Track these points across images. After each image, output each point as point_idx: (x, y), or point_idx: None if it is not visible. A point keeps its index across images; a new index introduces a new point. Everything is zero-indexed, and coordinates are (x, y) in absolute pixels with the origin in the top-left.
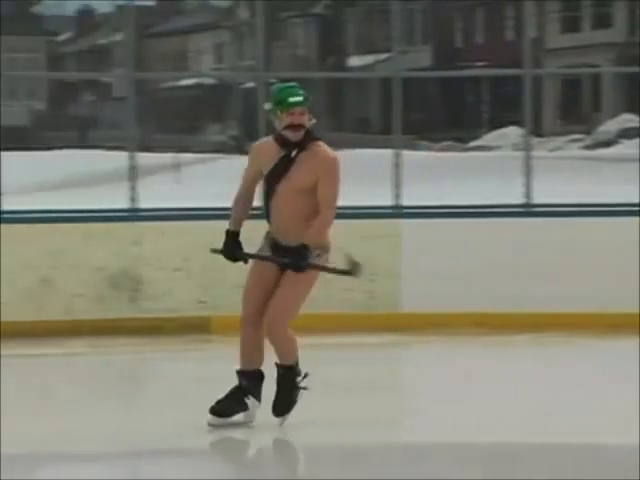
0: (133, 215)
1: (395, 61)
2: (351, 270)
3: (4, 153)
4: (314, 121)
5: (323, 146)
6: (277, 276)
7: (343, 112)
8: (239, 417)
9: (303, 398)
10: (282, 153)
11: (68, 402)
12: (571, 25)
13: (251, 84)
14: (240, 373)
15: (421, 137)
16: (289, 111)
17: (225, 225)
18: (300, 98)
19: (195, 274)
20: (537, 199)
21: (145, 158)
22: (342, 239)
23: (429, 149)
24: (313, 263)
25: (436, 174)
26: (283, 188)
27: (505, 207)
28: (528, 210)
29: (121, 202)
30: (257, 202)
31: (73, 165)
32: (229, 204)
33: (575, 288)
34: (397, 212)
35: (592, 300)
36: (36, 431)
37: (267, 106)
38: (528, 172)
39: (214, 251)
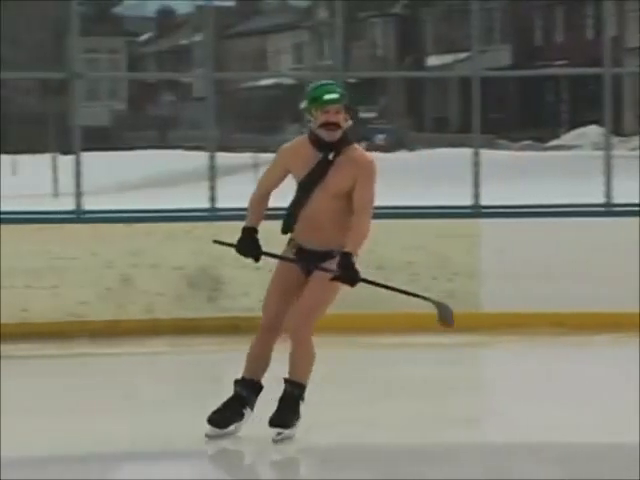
0: (212, 215)
1: (474, 60)
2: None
3: (85, 153)
4: (350, 122)
5: (360, 149)
6: (301, 281)
7: (422, 112)
8: (232, 427)
9: (384, 398)
10: (317, 156)
11: (150, 401)
12: None
13: None
14: (242, 382)
15: (500, 136)
16: (324, 109)
17: None
18: (336, 95)
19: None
20: (617, 199)
21: (224, 158)
22: (421, 238)
23: (508, 148)
24: (370, 280)
25: (515, 173)
26: (318, 193)
27: (585, 207)
28: (608, 210)
29: (200, 202)
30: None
31: (153, 165)
32: None
33: None
34: (476, 212)
35: None
36: (120, 430)
37: (303, 104)
38: (608, 171)
39: (217, 242)
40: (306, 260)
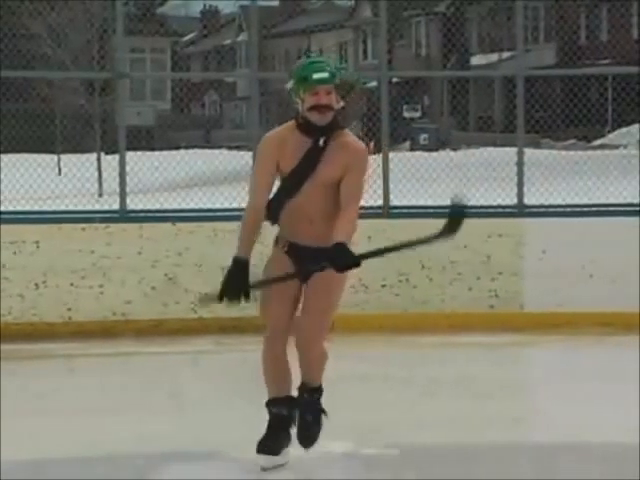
0: None
1: (518, 59)
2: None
3: (130, 153)
4: (342, 104)
5: (351, 135)
6: (298, 283)
7: (466, 111)
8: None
9: (427, 399)
10: (306, 143)
11: (195, 400)
12: None
13: (374, 83)
14: (275, 402)
15: (544, 135)
16: (313, 90)
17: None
18: (325, 74)
19: None
20: None
21: None
22: (465, 238)
23: (552, 147)
24: (367, 252)
25: (559, 172)
26: (308, 183)
27: (628, 206)
28: None
29: (244, 201)
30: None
31: (197, 165)
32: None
33: None
34: (520, 211)
35: None
36: (164, 430)
37: (288, 85)
38: None
39: (204, 300)
40: (301, 259)
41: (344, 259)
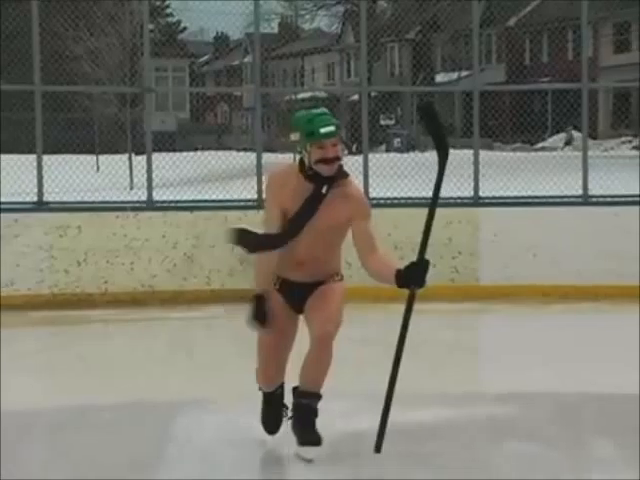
0: (260, 204)
1: (474, 77)
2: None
3: (155, 154)
4: (347, 152)
5: (353, 184)
6: (295, 321)
7: None
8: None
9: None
10: (308, 188)
11: (210, 358)
12: (621, 46)
13: (355, 96)
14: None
15: (496, 140)
16: (320, 144)
17: None
18: (332, 128)
19: None
20: (593, 191)
21: (269, 157)
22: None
23: (502, 150)
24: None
25: (508, 170)
26: (309, 227)
27: (566, 197)
28: (586, 200)
29: (250, 193)
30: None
31: (211, 163)
32: None
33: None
34: (475, 202)
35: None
36: (183, 382)
37: (293, 137)
38: (585, 168)
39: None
40: (292, 294)
41: (421, 277)
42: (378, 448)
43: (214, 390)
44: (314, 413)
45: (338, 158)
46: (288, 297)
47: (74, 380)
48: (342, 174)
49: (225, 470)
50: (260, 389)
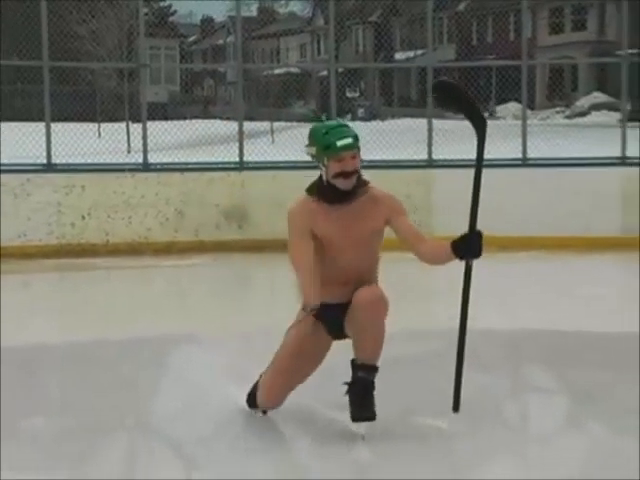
0: (241, 166)
1: (429, 55)
2: None
3: (150, 122)
4: (361, 162)
5: (376, 187)
6: (322, 349)
7: (391, 92)
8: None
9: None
10: (336, 208)
11: (198, 299)
12: (556, 28)
13: (325, 72)
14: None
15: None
16: (338, 157)
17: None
18: (350, 140)
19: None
20: (531, 155)
21: (249, 125)
22: (392, 183)
23: (453, 118)
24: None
25: (460, 136)
26: (352, 241)
27: (507, 160)
28: (524, 163)
29: (232, 157)
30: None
31: (198, 130)
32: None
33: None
34: (430, 164)
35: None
36: (175, 319)
37: (309, 151)
38: (524, 135)
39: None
40: (328, 318)
41: (476, 247)
42: (456, 407)
43: (202, 327)
44: (372, 386)
45: (356, 171)
46: (327, 321)
47: (82, 319)
48: (363, 183)
49: (213, 399)
50: (250, 406)
